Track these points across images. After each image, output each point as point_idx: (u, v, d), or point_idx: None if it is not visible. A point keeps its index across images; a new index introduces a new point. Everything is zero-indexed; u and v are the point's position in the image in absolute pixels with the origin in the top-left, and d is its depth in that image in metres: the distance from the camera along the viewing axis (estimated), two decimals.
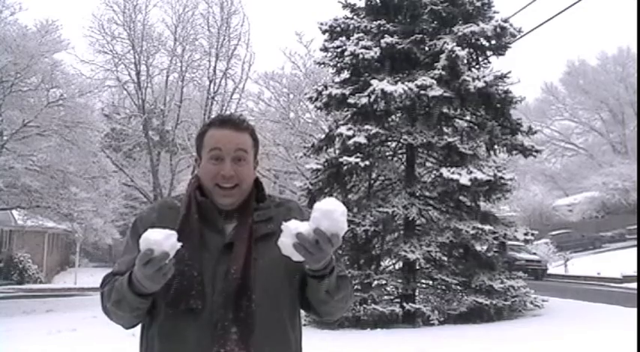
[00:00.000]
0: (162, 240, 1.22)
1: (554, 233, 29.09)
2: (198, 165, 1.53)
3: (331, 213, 1.23)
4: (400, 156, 12.19)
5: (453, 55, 10.57)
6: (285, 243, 1.25)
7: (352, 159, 10.44)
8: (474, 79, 10.79)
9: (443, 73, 10.70)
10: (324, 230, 1.22)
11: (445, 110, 11.53)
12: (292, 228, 1.24)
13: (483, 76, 11.00)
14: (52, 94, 14.74)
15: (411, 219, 10.68)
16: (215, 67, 21.30)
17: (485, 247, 11.20)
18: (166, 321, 1.38)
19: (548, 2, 9.61)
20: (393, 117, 11.85)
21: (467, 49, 11.25)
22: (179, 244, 1.25)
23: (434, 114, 11.23)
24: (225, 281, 1.37)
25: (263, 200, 1.52)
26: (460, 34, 11.03)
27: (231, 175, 1.43)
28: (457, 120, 12.11)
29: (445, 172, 10.41)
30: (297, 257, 1.26)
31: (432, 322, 10.13)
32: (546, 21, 9.57)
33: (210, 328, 1.34)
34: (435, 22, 11.62)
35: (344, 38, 11.71)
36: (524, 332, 9.03)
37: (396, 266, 11.51)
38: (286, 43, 46.80)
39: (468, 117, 12.18)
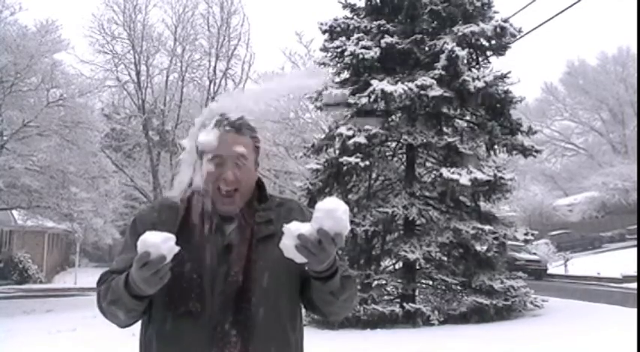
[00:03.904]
0: (159, 243, 1.21)
1: (554, 233, 29.07)
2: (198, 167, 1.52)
3: (334, 212, 1.22)
4: (400, 156, 12.19)
5: (453, 55, 10.57)
6: (287, 245, 1.24)
7: (352, 159, 10.44)
8: (474, 79, 10.79)
9: (443, 73, 10.70)
10: (327, 229, 1.21)
11: (445, 110, 11.54)
12: (294, 229, 1.23)
13: (483, 76, 11.00)
14: (52, 94, 14.73)
15: (411, 219, 10.69)
16: (215, 67, 21.37)
17: (485, 247, 11.19)
18: (165, 323, 1.37)
19: (548, 2, 9.61)
20: (393, 117, 11.85)
21: (467, 49, 11.25)
22: (177, 248, 1.24)
23: (434, 114, 11.25)
24: (225, 283, 1.36)
25: (265, 201, 1.51)
26: (460, 34, 11.03)
27: (232, 179, 1.41)
28: (457, 120, 12.11)
29: (445, 172, 10.41)
30: (299, 259, 1.25)
31: (432, 322, 10.13)
32: (546, 21, 9.56)
33: (209, 330, 1.34)
34: (435, 22, 11.62)
35: (344, 38, 11.70)
36: (524, 332, 9.03)
37: (396, 266, 11.51)
38: (286, 43, 46.81)
39: (468, 117, 12.19)
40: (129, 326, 1.44)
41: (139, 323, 1.46)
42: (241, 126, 1.47)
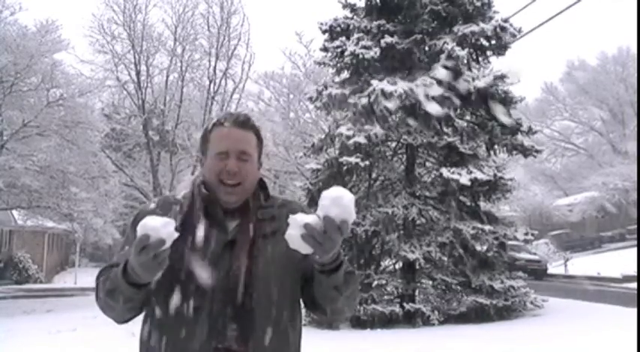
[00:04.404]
0: (159, 226, 1.22)
1: (554, 233, 29.09)
2: (201, 164, 1.53)
3: (340, 200, 1.23)
4: (400, 156, 12.19)
5: (453, 55, 10.57)
6: (293, 235, 1.24)
7: (352, 159, 10.44)
8: (473, 79, 10.79)
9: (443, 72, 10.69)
10: (333, 217, 1.22)
11: (445, 110, 11.52)
12: (300, 219, 1.24)
13: (483, 76, 11.00)
14: (52, 94, 14.74)
15: (411, 219, 10.69)
16: (215, 67, 21.33)
17: (485, 247, 11.19)
18: (165, 318, 1.38)
19: (548, 2, 9.61)
20: (393, 117, 11.85)
21: (467, 49, 11.25)
22: (176, 234, 1.25)
23: (434, 114, 11.25)
24: (226, 278, 1.37)
25: (267, 199, 1.52)
26: (460, 34, 11.03)
27: (236, 171, 1.43)
28: (457, 120, 12.11)
29: (445, 172, 10.41)
30: (305, 249, 1.25)
31: (432, 322, 10.14)
32: (546, 21, 9.56)
33: (209, 325, 1.34)
34: (435, 22, 11.62)
35: (344, 38, 11.71)
36: (524, 332, 9.03)
37: (396, 266, 11.51)
38: (286, 43, 46.75)
39: (468, 117, 12.19)
40: (126, 321, 1.44)
41: (139, 322, 1.46)
42: (246, 123, 1.48)
